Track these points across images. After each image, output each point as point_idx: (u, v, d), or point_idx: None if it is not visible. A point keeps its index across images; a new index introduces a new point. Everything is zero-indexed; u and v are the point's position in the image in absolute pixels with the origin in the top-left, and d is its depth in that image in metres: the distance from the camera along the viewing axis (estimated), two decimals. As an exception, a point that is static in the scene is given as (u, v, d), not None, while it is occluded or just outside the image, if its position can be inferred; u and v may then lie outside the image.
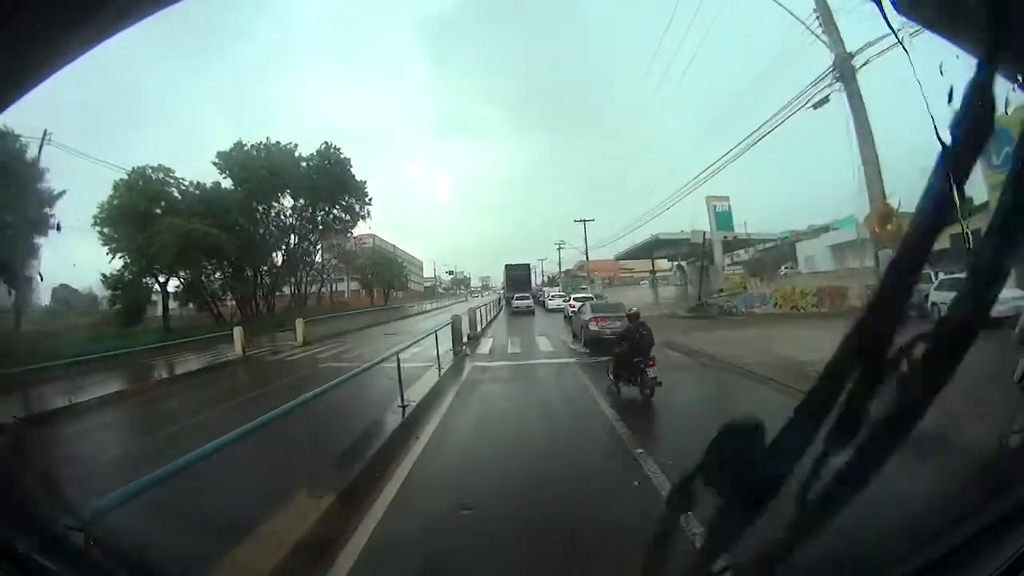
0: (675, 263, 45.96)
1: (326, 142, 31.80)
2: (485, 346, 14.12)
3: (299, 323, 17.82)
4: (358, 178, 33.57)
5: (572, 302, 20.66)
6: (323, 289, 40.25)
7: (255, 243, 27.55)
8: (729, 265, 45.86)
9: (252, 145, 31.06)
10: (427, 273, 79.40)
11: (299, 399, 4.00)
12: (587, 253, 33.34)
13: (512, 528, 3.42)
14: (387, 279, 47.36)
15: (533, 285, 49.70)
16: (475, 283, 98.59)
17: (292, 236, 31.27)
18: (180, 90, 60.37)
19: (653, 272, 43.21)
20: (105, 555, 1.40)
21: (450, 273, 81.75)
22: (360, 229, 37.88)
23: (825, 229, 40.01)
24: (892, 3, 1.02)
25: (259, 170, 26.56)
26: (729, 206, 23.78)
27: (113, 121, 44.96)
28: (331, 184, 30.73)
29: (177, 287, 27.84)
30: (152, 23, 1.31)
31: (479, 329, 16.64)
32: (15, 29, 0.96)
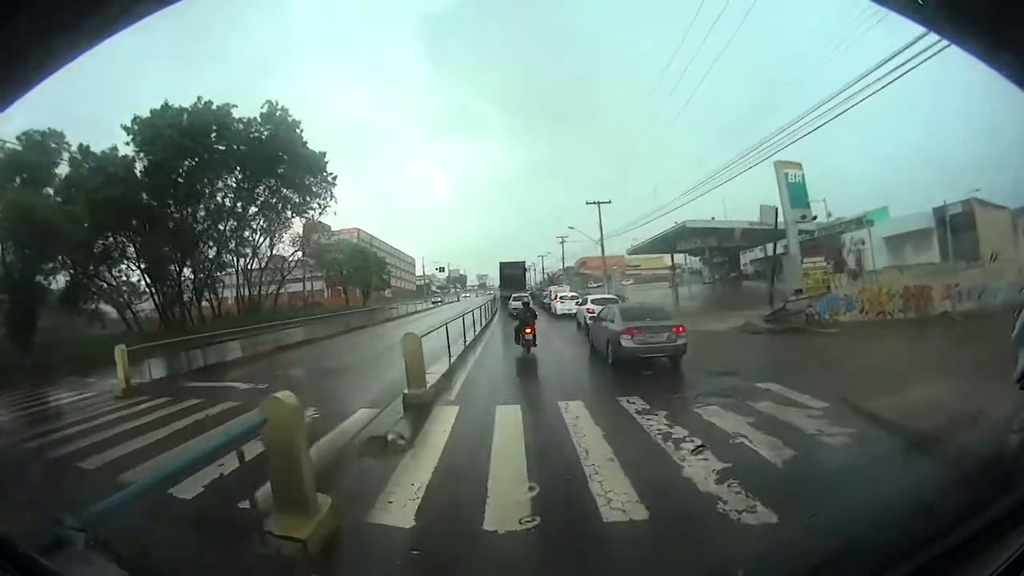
0: (699, 257, 40.22)
1: (269, 101, 25.00)
2: (433, 445, 5.43)
3: (119, 354, 10.35)
4: (328, 158, 27.11)
5: (590, 306, 15.72)
6: (283, 290, 33.64)
7: (169, 229, 20.93)
8: (751, 262, 40.01)
9: (184, 108, 24.55)
10: (420, 271, 73.05)
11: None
12: (603, 243, 26.89)
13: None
14: (363, 277, 40.97)
15: (531, 284, 44.36)
16: (472, 281, 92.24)
17: (228, 220, 24.51)
18: (177, 90, 55.60)
19: (673, 268, 37.11)
20: (105, 555, 1.43)
21: (441, 270, 74.81)
22: (348, 223, 32.07)
23: (858, 221, 34.87)
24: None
25: (166, 129, 19.81)
26: (803, 176, 17.35)
27: (111, 121, 39.81)
28: (276, 155, 24.04)
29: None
30: (151, 23, 1.30)
31: (443, 375, 8.81)
32: (15, 29, 0.95)
